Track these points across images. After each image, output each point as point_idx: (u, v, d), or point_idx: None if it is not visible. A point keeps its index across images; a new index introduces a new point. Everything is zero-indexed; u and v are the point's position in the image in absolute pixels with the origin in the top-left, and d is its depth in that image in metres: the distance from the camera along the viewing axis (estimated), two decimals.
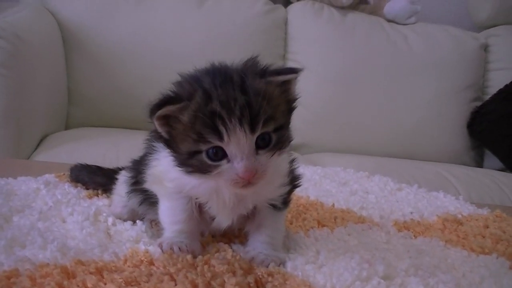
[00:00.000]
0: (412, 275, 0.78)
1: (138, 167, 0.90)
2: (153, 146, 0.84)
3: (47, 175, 1.19)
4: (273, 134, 0.73)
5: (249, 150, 0.71)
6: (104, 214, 0.96)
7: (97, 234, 0.87)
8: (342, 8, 2.69)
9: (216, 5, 2.54)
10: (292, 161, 0.87)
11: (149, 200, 0.89)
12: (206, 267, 0.75)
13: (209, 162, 0.71)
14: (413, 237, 1.01)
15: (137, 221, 0.93)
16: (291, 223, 0.99)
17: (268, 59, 0.78)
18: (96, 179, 1.12)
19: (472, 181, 2.11)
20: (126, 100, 2.35)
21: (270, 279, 0.74)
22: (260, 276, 0.74)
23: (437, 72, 2.63)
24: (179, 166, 0.75)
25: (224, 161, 0.71)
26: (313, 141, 2.48)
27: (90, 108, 2.40)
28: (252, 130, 0.70)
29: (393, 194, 1.37)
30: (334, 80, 2.55)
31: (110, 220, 0.94)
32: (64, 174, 1.20)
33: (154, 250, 0.80)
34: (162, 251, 0.79)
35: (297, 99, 0.78)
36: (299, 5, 2.69)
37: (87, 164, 1.17)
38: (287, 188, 0.85)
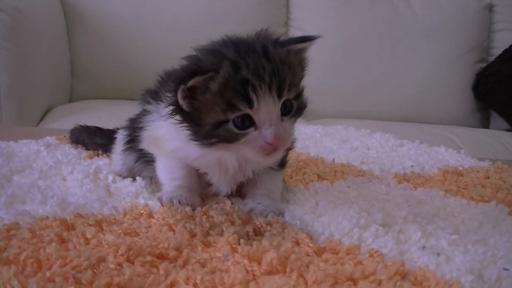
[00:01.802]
0: (411, 222, 0.78)
1: (133, 125, 0.91)
2: (147, 110, 0.84)
3: (48, 138, 1.19)
4: (294, 101, 0.75)
5: (277, 117, 0.72)
6: (104, 172, 0.97)
7: (97, 191, 0.87)
8: None
9: None
10: None
11: (144, 158, 0.90)
12: (204, 217, 0.76)
13: (237, 130, 0.71)
14: (413, 189, 1.01)
15: (137, 178, 0.93)
16: (291, 177, 1.00)
17: (270, 26, 0.78)
18: (96, 139, 1.13)
19: (476, 141, 2.10)
20: (129, 72, 2.36)
21: (268, 228, 0.75)
22: (259, 226, 0.75)
23: (442, 35, 2.59)
24: (198, 140, 0.74)
25: (251, 129, 0.72)
26: (318, 107, 2.45)
27: (93, 81, 2.40)
28: (279, 96, 0.71)
29: (394, 150, 1.36)
30: (338, 45, 2.52)
31: (110, 177, 0.94)
32: (64, 136, 1.20)
33: (154, 204, 0.81)
34: (162, 204, 0.80)
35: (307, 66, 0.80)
36: None
37: (86, 126, 1.17)
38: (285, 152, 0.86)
